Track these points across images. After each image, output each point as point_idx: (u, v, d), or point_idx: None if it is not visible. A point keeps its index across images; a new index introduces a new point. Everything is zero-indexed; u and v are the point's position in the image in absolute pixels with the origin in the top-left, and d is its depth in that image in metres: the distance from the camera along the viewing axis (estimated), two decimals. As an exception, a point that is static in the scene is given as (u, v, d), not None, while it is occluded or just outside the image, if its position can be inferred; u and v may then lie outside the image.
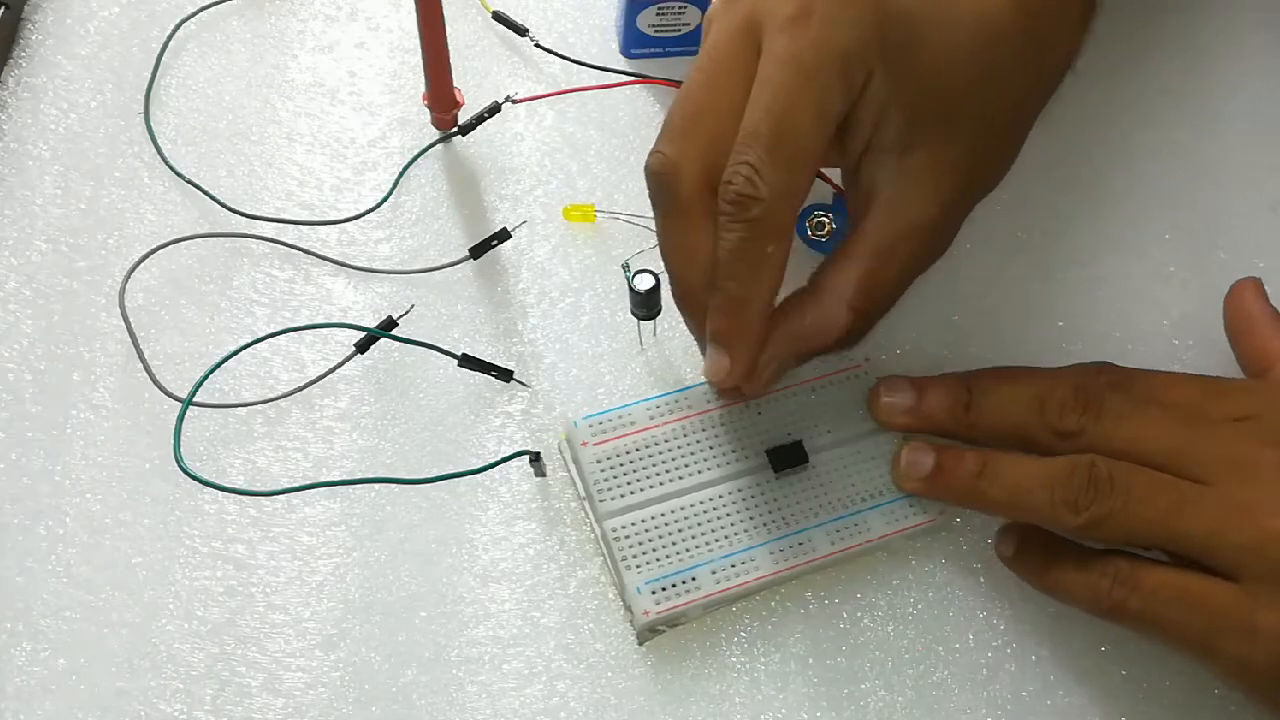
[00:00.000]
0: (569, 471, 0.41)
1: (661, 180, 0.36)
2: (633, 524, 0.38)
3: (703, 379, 0.40)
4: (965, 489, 0.38)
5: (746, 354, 0.37)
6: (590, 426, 0.40)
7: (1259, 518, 0.34)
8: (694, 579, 0.38)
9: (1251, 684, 0.35)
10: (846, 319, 0.37)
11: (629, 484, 0.39)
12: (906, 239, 0.37)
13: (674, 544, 0.38)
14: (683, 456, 0.40)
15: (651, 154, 0.37)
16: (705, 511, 0.39)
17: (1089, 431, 0.37)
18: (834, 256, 0.38)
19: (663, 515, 0.39)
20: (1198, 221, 0.47)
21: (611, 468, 0.39)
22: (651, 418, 0.40)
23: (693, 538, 0.39)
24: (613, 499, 0.39)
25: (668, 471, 0.39)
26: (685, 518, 0.39)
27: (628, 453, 0.39)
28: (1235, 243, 0.46)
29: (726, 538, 0.39)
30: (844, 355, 0.41)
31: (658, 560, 0.38)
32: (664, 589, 0.38)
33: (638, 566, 0.38)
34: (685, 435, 0.40)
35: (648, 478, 0.39)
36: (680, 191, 0.36)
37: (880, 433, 0.41)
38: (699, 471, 0.40)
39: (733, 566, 0.38)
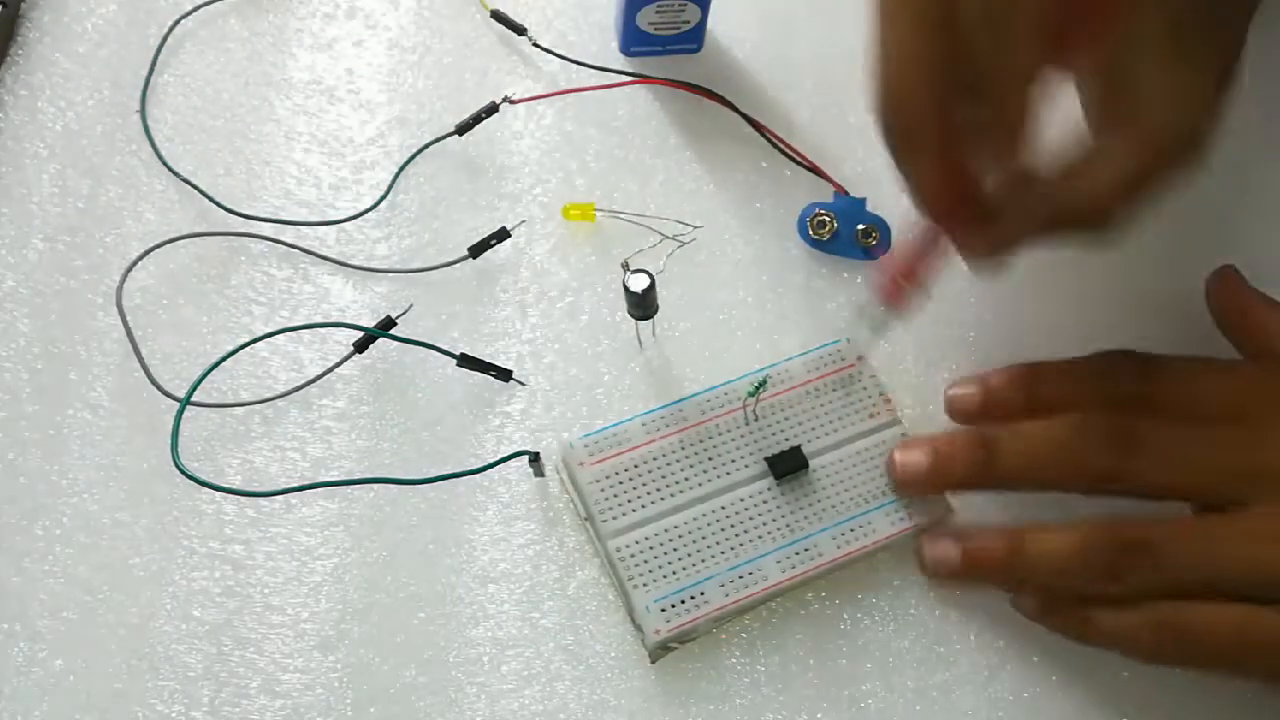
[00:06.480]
0: (569, 494, 0.40)
1: None
2: (636, 542, 0.38)
3: (698, 389, 0.40)
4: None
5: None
6: (586, 446, 0.39)
7: None
8: (703, 593, 0.38)
9: None
10: (1105, 202, 0.34)
11: (630, 502, 0.39)
12: (1179, 142, 0.34)
13: (680, 559, 0.38)
14: (682, 470, 0.39)
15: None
16: (709, 524, 0.39)
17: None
18: (1099, 146, 0.35)
19: (666, 531, 0.38)
20: (1204, 221, 0.47)
21: (611, 486, 0.39)
22: (648, 432, 0.40)
23: (699, 552, 0.38)
24: (614, 518, 0.39)
25: (668, 486, 0.39)
26: (690, 532, 0.39)
27: (626, 470, 0.39)
28: (1243, 243, 0.46)
29: (733, 549, 0.38)
30: (837, 355, 0.42)
31: (665, 577, 0.38)
32: (673, 605, 0.37)
33: (645, 585, 0.38)
34: (683, 448, 0.40)
35: (648, 494, 0.39)
36: None
37: (878, 431, 0.41)
38: (700, 484, 0.39)
39: (740, 578, 0.38)
